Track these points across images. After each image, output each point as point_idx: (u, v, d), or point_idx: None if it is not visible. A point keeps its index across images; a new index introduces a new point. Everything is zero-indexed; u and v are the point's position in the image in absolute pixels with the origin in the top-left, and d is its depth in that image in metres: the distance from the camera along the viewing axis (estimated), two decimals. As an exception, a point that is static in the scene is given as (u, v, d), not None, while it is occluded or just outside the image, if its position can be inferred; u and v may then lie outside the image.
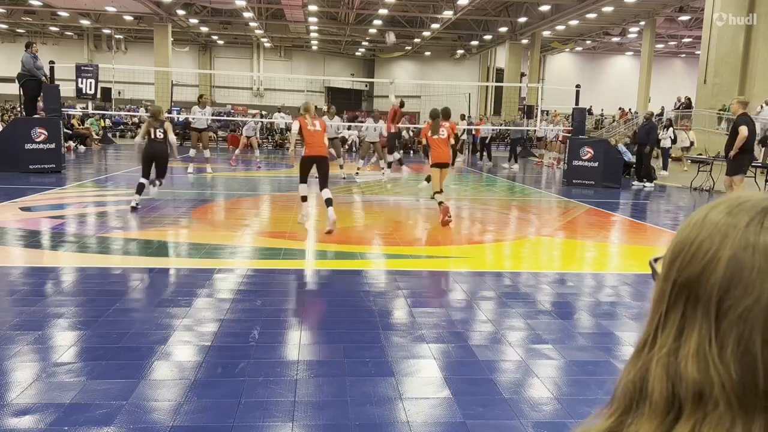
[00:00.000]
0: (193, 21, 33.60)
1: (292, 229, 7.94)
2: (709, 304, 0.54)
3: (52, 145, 12.90)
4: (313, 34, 37.95)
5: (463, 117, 25.88)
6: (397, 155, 14.44)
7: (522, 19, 32.02)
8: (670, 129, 17.62)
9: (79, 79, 14.66)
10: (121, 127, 28.95)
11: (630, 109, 33.77)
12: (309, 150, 7.73)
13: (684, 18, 31.84)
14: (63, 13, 32.24)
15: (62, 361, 3.50)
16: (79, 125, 22.48)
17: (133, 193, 8.77)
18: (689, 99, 24.99)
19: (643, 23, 32.66)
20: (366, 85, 42.86)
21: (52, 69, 13.41)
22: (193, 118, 14.97)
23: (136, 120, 27.85)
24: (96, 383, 3.23)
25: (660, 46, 38.97)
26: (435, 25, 32.57)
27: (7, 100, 21.97)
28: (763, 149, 15.72)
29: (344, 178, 14.19)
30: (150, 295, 4.91)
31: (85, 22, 34.97)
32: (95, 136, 22.99)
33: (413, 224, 9.02)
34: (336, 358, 3.68)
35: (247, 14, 30.51)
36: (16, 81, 13.53)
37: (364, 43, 41.00)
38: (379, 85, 42.47)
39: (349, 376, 3.41)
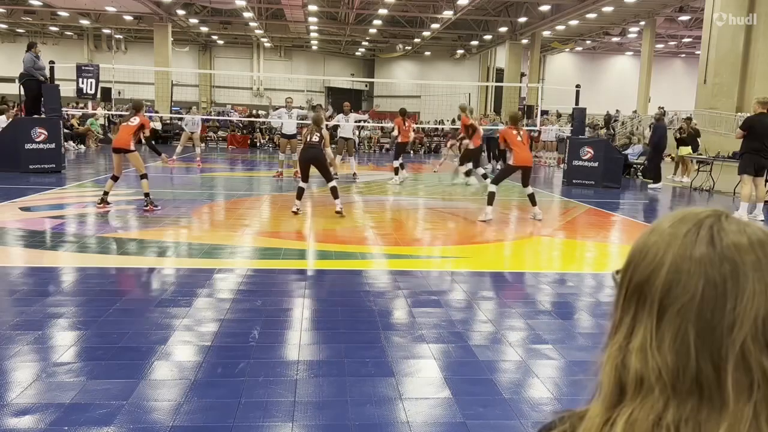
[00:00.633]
0: (193, 21, 33.57)
1: (294, 228, 7.95)
2: (652, 304, 0.63)
3: (52, 145, 12.90)
4: (313, 34, 37.93)
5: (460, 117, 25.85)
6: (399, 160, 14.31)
7: (522, 19, 32.00)
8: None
9: (80, 79, 14.66)
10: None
11: (634, 111, 33.77)
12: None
13: (684, 18, 31.82)
14: (63, 13, 32.22)
15: (62, 361, 3.50)
16: (79, 125, 22.48)
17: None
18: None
19: (643, 23, 32.65)
20: (366, 85, 42.84)
21: (52, 69, 13.41)
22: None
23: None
24: (96, 383, 3.23)
25: (660, 46, 38.95)
26: (435, 25, 32.54)
27: (9, 101, 21.97)
28: None
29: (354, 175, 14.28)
30: (150, 295, 4.91)
31: (85, 22, 34.95)
32: (98, 136, 23.00)
33: (413, 224, 9.03)
34: (336, 358, 3.68)
35: (247, 14, 30.50)
36: (17, 81, 13.54)
37: (364, 43, 40.99)
38: (379, 85, 42.48)
39: (349, 376, 3.41)
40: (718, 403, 0.59)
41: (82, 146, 21.23)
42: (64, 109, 15.45)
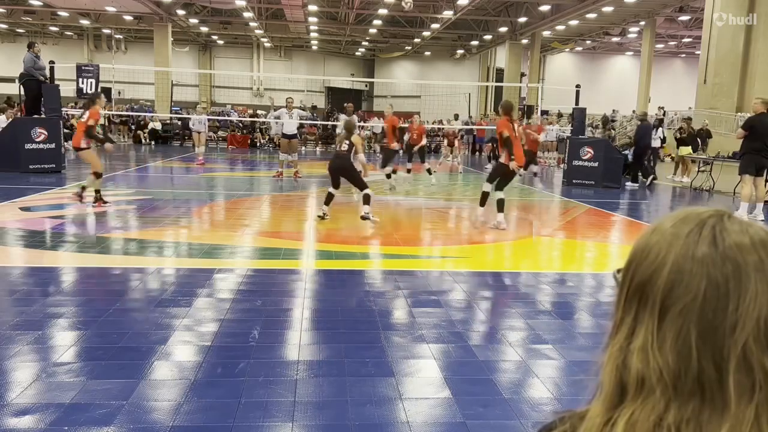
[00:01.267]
0: (193, 21, 33.58)
1: (295, 228, 7.95)
2: (654, 304, 0.62)
3: (52, 145, 12.90)
4: (313, 34, 37.93)
5: (456, 117, 25.89)
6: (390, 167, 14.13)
7: (522, 19, 32.01)
8: (660, 129, 17.61)
9: (80, 79, 14.67)
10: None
11: (633, 111, 33.79)
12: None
13: (684, 18, 31.83)
14: (63, 13, 32.22)
15: (62, 361, 3.50)
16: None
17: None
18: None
19: (643, 23, 32.66)
20: (366, 85, 42.84)
21: (52, 69, 13.41)
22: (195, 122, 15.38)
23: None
24: (96, 383, 3.22)
25: (660, 46, 38.96)
26: (435, 25, 32.55)
27: (14, 102, 21.95)
28: None
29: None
30: (150, 295, 4.91)
31: (85, 22, 34.96)
32: (98, 136, 22.96)
33: (413, 224, 9.02)
34: (336, 358, 3.68)
35: (247, 14, 30.50)
36: (17, 81, 13.53)
37: (364, 43, 40.99)
38: (379, 85, 42.49)
39: (349, 376, 3.41)
40: (719, 405, 0.59)
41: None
42: (63, 109, 15.45)
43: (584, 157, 14.42)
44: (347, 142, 8.41)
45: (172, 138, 25.74)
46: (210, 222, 8.56)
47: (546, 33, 35.62)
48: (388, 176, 12.64)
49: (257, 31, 35.90)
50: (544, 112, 24.98)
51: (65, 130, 15.71)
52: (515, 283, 5.83)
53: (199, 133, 17.34)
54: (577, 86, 15.30)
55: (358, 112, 25.60)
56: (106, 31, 39.07)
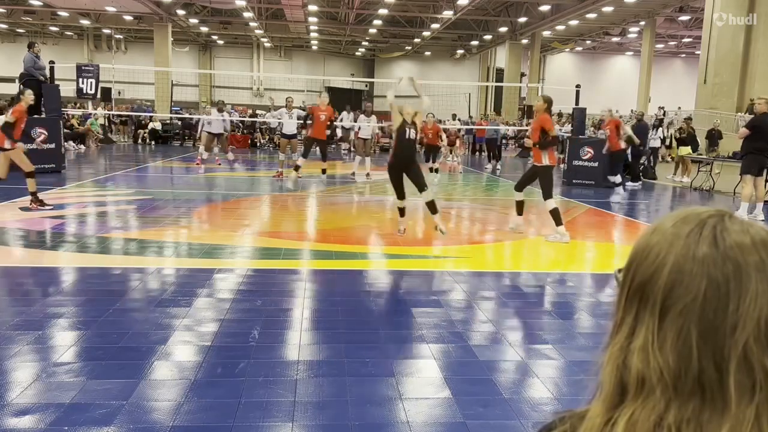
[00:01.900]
0: (193, 21, 33.58)
1: (295, 228, 7.94)
2: (655, 304, 0.62)
3: (52, 145, 12.90)
4: (313, 34, 37.94)
5: (454, 117, 25.89)
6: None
7: (522, 19, 32.02)
8: (659, 129, 17.61)
9: (80, 79, 14.67)
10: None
11: (632, 110, 33.79)
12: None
13: (684, 18, 31.83)
14: (63, 13, 32.22)
15: (62, 361, 3.50)
16: (79, 125, 22.48)
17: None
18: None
19: (643, 23, 32.66)
20: (366, 85, 42.84)
21: (52, 69, 13.41)
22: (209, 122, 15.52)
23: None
24: (96, 383, 3.22)
25: (660, 46, 38.97)
26: (435, 25, 32.56)
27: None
28: None
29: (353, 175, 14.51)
30: (150, 295, 4.91)
31: (85, 22, 34.96)
32: (98, 136, 23.00)
33: (413, 224, 9.01)
34: (336, 358, 3.68)
35: (247, 14, 30.51)
36: (17, 81, 13.53)
37: (364, 43, 40.99)
38: (379, 85, 42.47)
39: (349, 376, 3.41)
40: (719, 405, 0.59)
41: (82, 146, 21.22)
42: (63, 109, 15.45)
43: (584, 157, 14.42)
44: (412, 128, 6.98)
45: (172, 138, 25.74)
46: (210, 222, 8.56)
47: (546, 33, 35.63)
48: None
49: (257, 31, 35.91)
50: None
51: (65, 131, 15.72)
52: (515, 283, 5.83)
53: (215, 136, 15.46)
54: (577, 86, 15.29)
55: (357, 111, 25.59)
56: (106, 31, 39.08)
